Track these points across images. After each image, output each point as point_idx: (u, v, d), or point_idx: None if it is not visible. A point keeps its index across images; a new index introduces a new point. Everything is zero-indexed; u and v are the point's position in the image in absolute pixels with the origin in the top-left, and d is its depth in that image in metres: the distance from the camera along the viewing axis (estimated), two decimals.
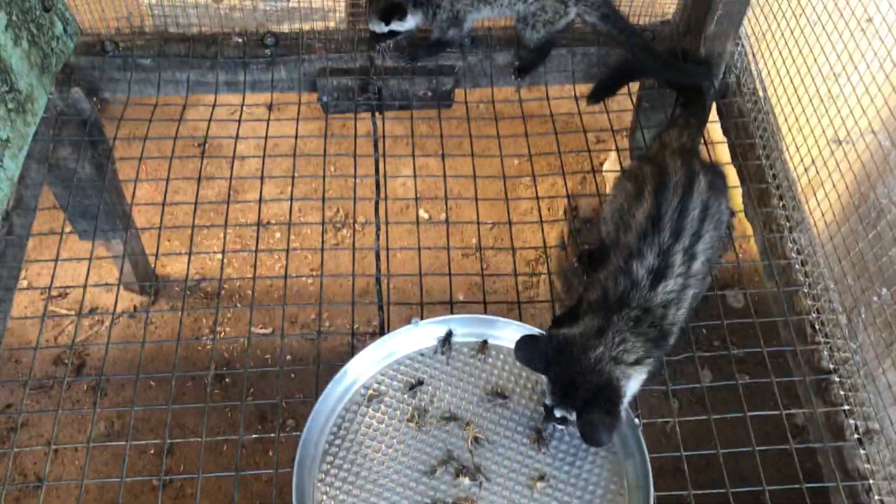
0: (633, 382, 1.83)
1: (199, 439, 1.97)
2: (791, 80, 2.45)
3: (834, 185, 2.22)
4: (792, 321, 2.18)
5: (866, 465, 1.88)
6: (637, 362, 1.81)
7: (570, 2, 2.55)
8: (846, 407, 1.97)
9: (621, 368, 1.79)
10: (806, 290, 2.18)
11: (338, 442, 1.93)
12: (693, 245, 1.86)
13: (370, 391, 2.01)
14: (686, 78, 2.51)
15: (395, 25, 2.52)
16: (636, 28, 2.62)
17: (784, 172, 2.39)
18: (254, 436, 3.32)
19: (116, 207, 2.90)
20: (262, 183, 2.54)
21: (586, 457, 1.92)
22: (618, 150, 2.85)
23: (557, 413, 1.82)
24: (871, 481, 1.85)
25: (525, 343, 1.83)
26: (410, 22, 2.54)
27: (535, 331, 1.95)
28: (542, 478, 1.87)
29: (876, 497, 1.83)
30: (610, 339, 1.79)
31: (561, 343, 1.81)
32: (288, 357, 3.60)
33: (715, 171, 2.03)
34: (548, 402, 1.83)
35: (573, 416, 1.79)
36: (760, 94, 2.57)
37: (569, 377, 1.77)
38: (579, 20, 2.65)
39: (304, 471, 1.85)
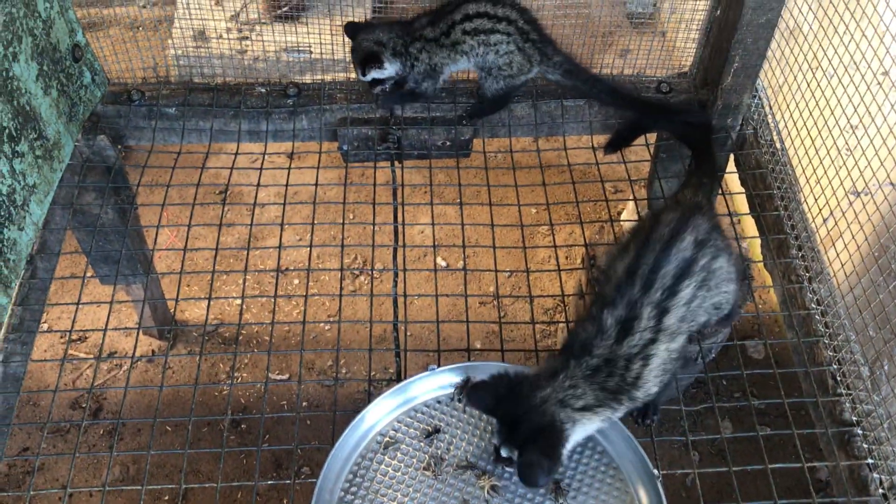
0: (580, 428, 1.80)
1: (215, 485, 1.96)
2: (808, 132, 2.46)
3: (853, 236, 2.21)
4: (813, 372, 2.16)
5: None
6: (585, 409, 1.78)
7: (534, 61, 2.61)
8: (870, 461, 1.93)
9: (567, 412, 1.77)
10: (827, 342, 2.16)
11: (353, 489, 1.91)
12: (666, 300, 1.82)
13: (386, 438, 2.00)
14: (677, 116, 2.50)
15: (375, 73, 2.59)
16: (599, 77, 2.65)
17: (803, 223, 2.39)
18: (269, 482, 3.30)
19: (138, 253, 2.94)
20: (281, 230, 2.57)
21: (605, 501, 1.89)
22: (635, 199, 2.85)
23: (503, 453, 1.81)
24: None
25: (477, 387, 1.86)
26: (390, 69, 2.60)
27: None
28: None
29: None
30: (560, 383, 1.79)
31: (511, 382, 1.81)
32: (304, 403, 3.59)
33: (714, 229, 1.97)
34: (494, 440, 1.83)
35: (516, 456, 1.78)
36: (778, 145, 2.58)
37: (514, 416, 1.77)
38: (542, 77, 2.70)
39: None
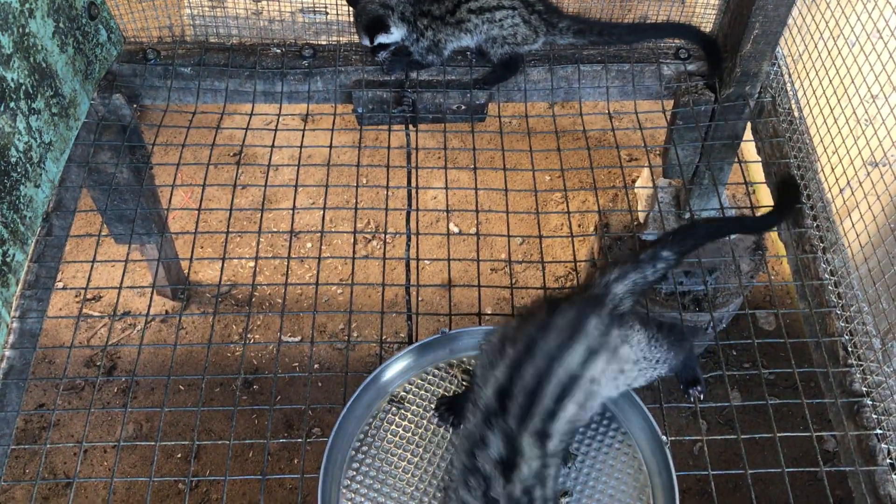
0: None
1: (227, 442, 1.99)
2: (827, 101, 2.43)
3: (869, 207, 2.20)
4: (824, 343, 2.15)
5: None
6: None
7: (540, 32, 2.58)
8: (878, 431, 1.94)
9: None
10: (839, 312, 2.16)
11: (364, 449, 1.94)
12: (547, 424, 1.64)
13: (398, 399, 2.02)
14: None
15: (382, 38, 2.56)
16: (611, 22, 2.63)
17: (818, 193, 2.38)
18: (280, 441, 3.34)
19: (152, 212, 2.95)
20: (295, 192, 2.57)
21: (612, 473, 1.91)
22: (650, 167, 2.84)
23: None
24: None
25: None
26: (396, 34, 2.57)
27: None
28: (566, 493, 1.86)
29: None
30: None
31: None
32: (316, 365, 3.62)
33: (611, 325, 1.78)
34: None
35: None
36: (796, 114, 2.56)
37: None
38: (551, 43, 2.69)
39: (329, 477, 1.86)
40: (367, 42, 2.57)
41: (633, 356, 1.79)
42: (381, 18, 2.53)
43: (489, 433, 1.62)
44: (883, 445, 1.92)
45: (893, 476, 1.87)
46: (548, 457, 1.62)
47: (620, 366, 1.77)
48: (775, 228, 2.40)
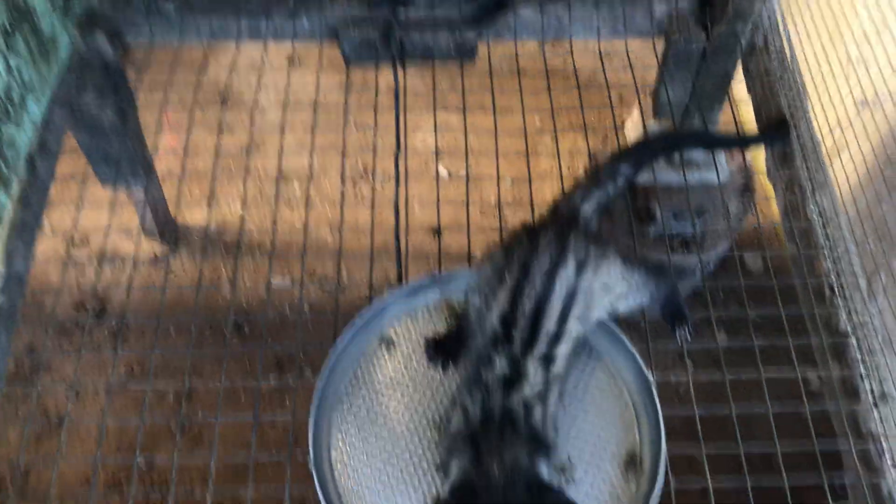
0: (545, 467, 1.66)
1: (218, 384, 2.00)
2: (820, 40, 2.40)
3: (860, 147, 2.19)
4: (811, 283, 2.17)
5: (880, 428, 1.88)
6: (532, 454, 1.63)
7: None
8: (862, 370, 1.97)
9: (526, 465, 1.62)
10: (826, 253, 2.17)
11: (355, 389, 1.95)
12: (552, 348, 1.70)
13: (388, 341, 2.03)
14: None
15: None
16: None
17: (809, 133, 2.36)
18: (271, 382, 3.37)
19: (138, 154, 2.91)
20: (282, 134, 2.54)
21: (599, 412, 1.93)
22: (641, 107, 2.82)
23: None
24: (884, 444, 1.86)
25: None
26: None
27: None
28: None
29: (889, 460, 1.84)
30: (496, 457, 1.61)
31: (466, 495, 1.62)
32: (306, 308, 3.63)
33: (590, 241, 1.83)
34: None
35: None
36: (788, 53, 2.53)
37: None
38: None
39: (321, 416, 1.88)
40: None
41: (613, 272, 1.84)
42: None
43: (495, 355, 1.68)
44: (866, 384, 1.95)
45: (875, 413, 1.91)
46: (551, 380, 1.69)
47: (605, 279, 1.82)
48: (733, 148, 2.42)
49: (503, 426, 1.65)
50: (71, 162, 3.70)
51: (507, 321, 1.70)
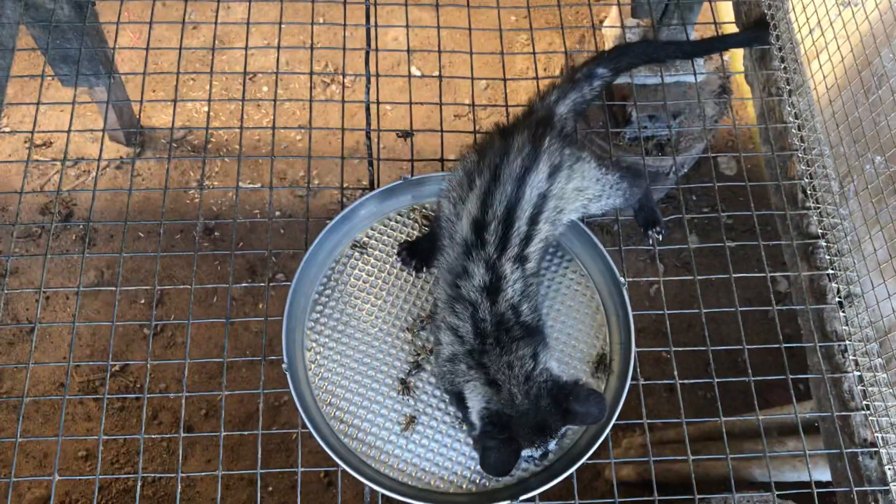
0: (553, 362, 1.73)
1: (189, 287, 1.98)
2: None
3: (839, 48, 2.16)
4: (784, 186, 2.17)
5: (844, 328, 1.92)
6: (535, 356, 1.68)
7: None
8: (830, 271, 1.99)
9: (537, 374, 1.66)
10: (800, 155, 2.16)
11: (328, 293, 1.95)
12: (524, 248, 1.70)
13: (360, 245, 2.01)
14: None
15: None
16: None
17: (788, 34, 2.32)
18: (244, 285, 3.36)
19: (98, 52, 2.80)
20: (247, 31, 2.45)
21: (571, 313, 1.95)
22: (619, 5, 2.74)
23: (551, 446, 1.71)
24: (847, 342, 1.90)
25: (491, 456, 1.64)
26: None
27: None
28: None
29: (851, 357, 1.88)
30: (505, 377, 1.65)
31: (501, 429, 1.64)
32: (277, 212, 3.60)
33: (565, 143, 1.81)
34: (541, 450, 1.70)
35: (553, 444, 1.71)
36: None
37: (531, 425, 1.65)
38: None
39: (293, 319, 1.88)
40: None
41: (587, 172, 1.84)
42: None
43: (470, 264, 1.68)
44: (833, 284, 1.98)
45: (841, 313, 1.94)
46: (527, 276, 1.71)
47: (578, 182, 1.81)
48: (713, 53, 2.38)
49: (499, 335, 1.67)
50: (30, 60, 3.57)
51: (479, 226, 1.69)
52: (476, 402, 1.68)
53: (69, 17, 2.54)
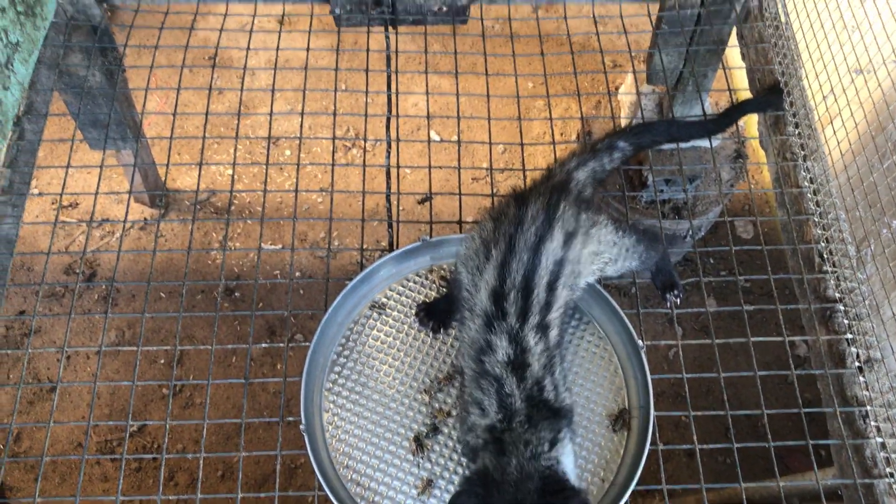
0: (566, 457, 1.69)
1: (209, 348, 2.00)
2: (815, 6, 2.39)
3: (852, 114, 2.19)
4: (800, 250, 2.18)
5: (865, 393, 1.90)
6: (554, 442, 1.66)
7: None
8: (849, 335, 1.98)
9: (545, 458, 1.64)
10: (816, 220, 2.17)
11: (346, 353, 1.96)
12: (545, 315, 1.70)
13: (379, 305, 2.03)
14: None
15: None
16: None
17: (802, 100, 2.36)
18: (263, 345, 3.38)
19: (127, 117, 2.89)
20: (272, 97, 2.52)
21: (589, 376, 1.95)
22: (635, 72, 2.80)
23: None
24: (868, 408, 1.88)
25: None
26: None
27: None
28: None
29: (872, 423, 1.86)
30: (516, 450, 1.63)
31: (482, 485, 1.63)
32: (297, 273, 3.63)
33: (580, 209, 1.83)
34: None
35: None
36: (782, 19, 2.51)
37: (508, 500, 1.60)
38: None
39: (312, 380, 1.89)
40: None
41: (604, 236, 1.85)
42: None
43: (493, 337, 1.68)
44: (852, 349, 1.97)
45: (861, 378, 1.93)
46: (552, 347, 1.70)
47: (595, 247, 1.83)
48: (733, 124, 2.41)
49: (527, 412, 1.65)
50: (60, 125, 3.67)
51: (498, 296, 1.70)
52: (478, 464, 1.67)
53: (100, 83, 2.63)
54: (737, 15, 2.61)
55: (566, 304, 1.76)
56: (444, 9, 2.60)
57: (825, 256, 2.12)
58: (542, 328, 1.69)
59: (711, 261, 3.57)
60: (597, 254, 1.84)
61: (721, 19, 2.61)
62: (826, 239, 2.14)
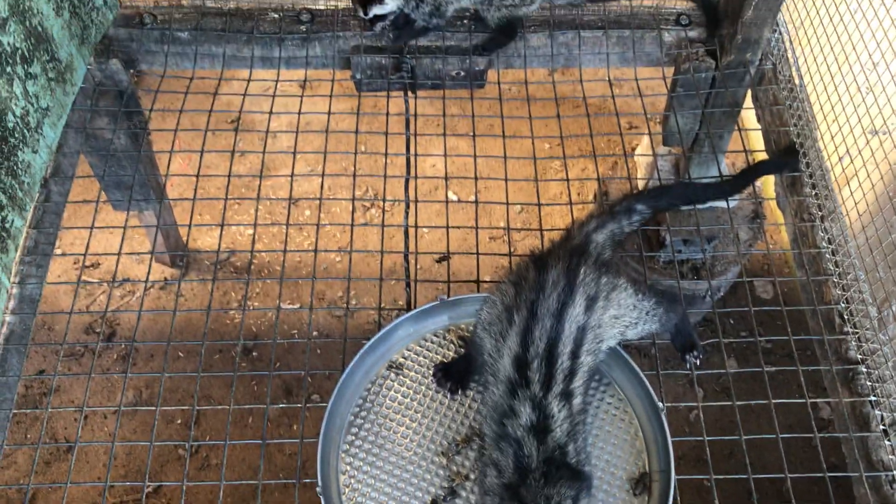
0: None
1: (226, 408, 2.00)
2: (828, 69, 2.42)
3: (868, 175, 2.19)
4: (820, 311, 2.16)
5: (891, 457, 1.87)
6: (577, 500, 1.65)
7: None
8: (872, 398, 1.96)
9: None
10: (836, 280, 2.16)
11: (363, 414, 1.95)
12: (569, 384, 1.70)
13: (396, 365, 2.03)
14: None
15: (377, 9, 2.51)
16: None
17: (818, 161, 2.37)
18: (280, 405, 3.36)
19: (150, 179, 2.94)
20: (294, 159, 2.56)
21: (609, 438, 1.93)
22: (650, 134, 2.83)
23: None
24: (895, 473, 1.84)
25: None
26: (391, 4, 2.52)
27: None
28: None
29: None
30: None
31: None
32: (315, 332, 3.64)
33: (601, 272, 1.84)
34: None
35: None
36: (797, 81, 2.54)
37: None
38: (549, 5, 2.67)
39: (329, 441, 1.88)
40: (362, 15, 2.52)
41: (624, 300, 1.85)
42: None
43: (516, 403, 1.67)
44: (877, 412, 1.94)
45: (886, 442, 1.89)
46: (574, 415, 1.69)
47: (615, 311, 1.83)
48: (749, 185, 2.43)
49: (547, 471, 1.64)
50: (84, 186, 3.74)
51: (522, 363, 1.70)
52: None
53: (125, 145, 2.69)
54: (751, 78, 2.65)
55: (590, 370, 1.76)
56: (462, 73, 2.66)
57: (846, 317, 2.10)
58: (566, 396, 1.69)
59: (731, 321, 3.54)
60: (617, 317, 1.84)
61: (736, 82, 2.65)
62: (846, 299, 2.12)
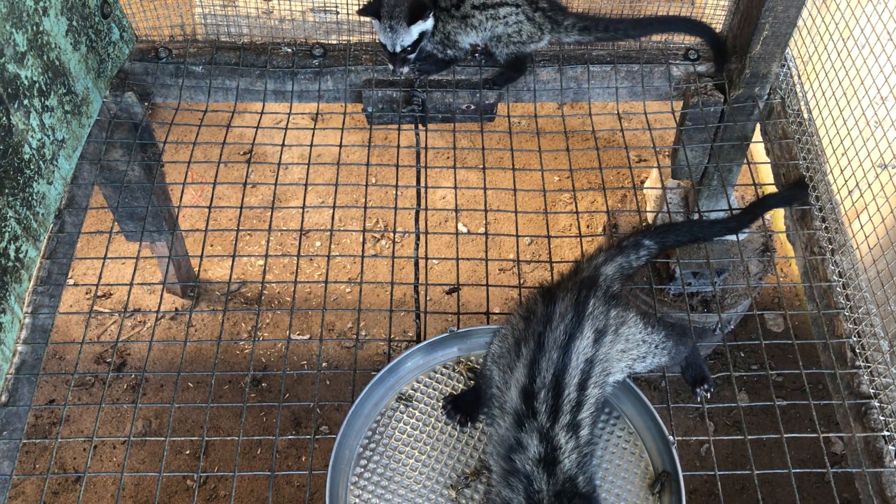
0: None
1: (235, 439, 2.00)
2: (837, 103, 2.43)
3: (878, 209, 2.20)
4: (832, 344, 2.16)
5: None
6: None
7: (545, 29, 2.60)
8: (886, 433, 1.94)
9: None
10: (847, 314, 2.16)
11: (372, 446, 1.95)
12: (576, 415, 1.70)
13: (405, 397, 2.03)
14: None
15: (420, 25, 2.50)
16: (616, 18, 2.63)
17: (827, 195, 2.38)
18: (289, 437, 3.35)
19: (163, 210, 2.97)
20: (305, 191, 2.59)
21: (619, 472, 1.92)
22: (660, 167, 2.85)
23: None
24: None
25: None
26: (430, 22, 2.53)
27: None
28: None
29: None
30: None
31: None
32: (324, 364, 3.64)
33: (610, 306, 1.83)
34: None
35: None
36: (805, 115, 2.56)
37: None
38: (558, 42, 2.69)
39: (337, 474, 1.88)
40: (406, 27, 2.48)
41: (633, 335, 1.85)
42: (423, 4, 2.47)
43: (524, 435, 1.66)
44: (890, 447, 1.92)
45: None
46: (582, 446, 1.68)
47: (623, 345, 1.83)
48: (758, 220, 2.45)
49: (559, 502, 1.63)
50: (97, 217, 3.78)
51: (528, 394, 1.69)
52: None
53: (139, 177, 2.72)
54: (760, 112, 2.67)
55: (597, 402, 1.75)
56: (472, 107, 2.68)
57: (857, 351, 2.09)
58: (574, 427, 1.68)
59: (742, 355, 3.53)
60: (625, 351, 1.83)
61: (744, 116, 2.67)
62: (857, 333, 2.12)
